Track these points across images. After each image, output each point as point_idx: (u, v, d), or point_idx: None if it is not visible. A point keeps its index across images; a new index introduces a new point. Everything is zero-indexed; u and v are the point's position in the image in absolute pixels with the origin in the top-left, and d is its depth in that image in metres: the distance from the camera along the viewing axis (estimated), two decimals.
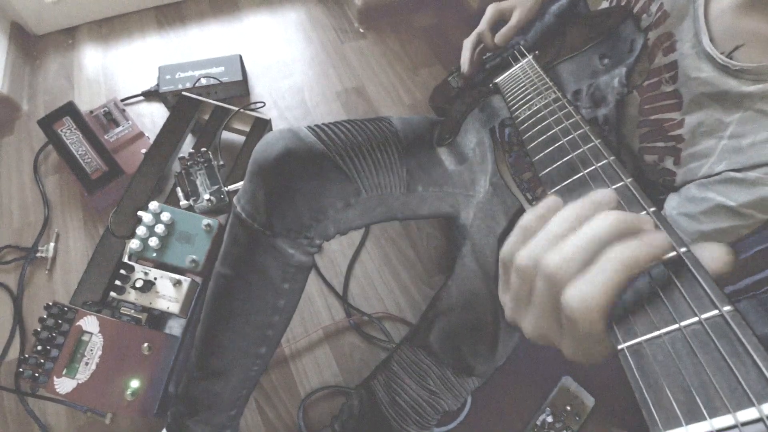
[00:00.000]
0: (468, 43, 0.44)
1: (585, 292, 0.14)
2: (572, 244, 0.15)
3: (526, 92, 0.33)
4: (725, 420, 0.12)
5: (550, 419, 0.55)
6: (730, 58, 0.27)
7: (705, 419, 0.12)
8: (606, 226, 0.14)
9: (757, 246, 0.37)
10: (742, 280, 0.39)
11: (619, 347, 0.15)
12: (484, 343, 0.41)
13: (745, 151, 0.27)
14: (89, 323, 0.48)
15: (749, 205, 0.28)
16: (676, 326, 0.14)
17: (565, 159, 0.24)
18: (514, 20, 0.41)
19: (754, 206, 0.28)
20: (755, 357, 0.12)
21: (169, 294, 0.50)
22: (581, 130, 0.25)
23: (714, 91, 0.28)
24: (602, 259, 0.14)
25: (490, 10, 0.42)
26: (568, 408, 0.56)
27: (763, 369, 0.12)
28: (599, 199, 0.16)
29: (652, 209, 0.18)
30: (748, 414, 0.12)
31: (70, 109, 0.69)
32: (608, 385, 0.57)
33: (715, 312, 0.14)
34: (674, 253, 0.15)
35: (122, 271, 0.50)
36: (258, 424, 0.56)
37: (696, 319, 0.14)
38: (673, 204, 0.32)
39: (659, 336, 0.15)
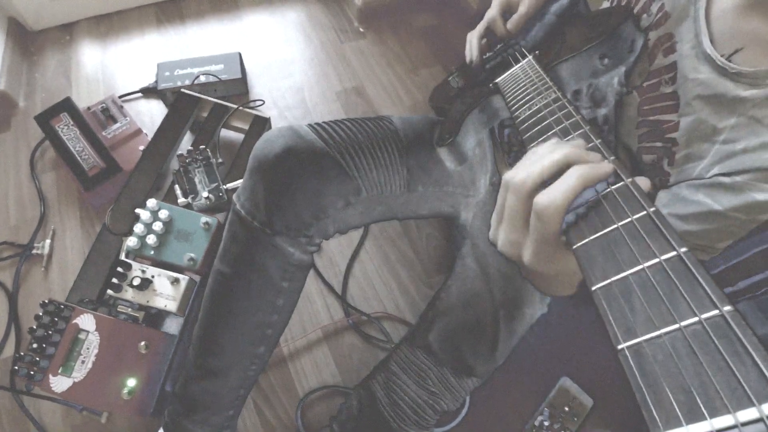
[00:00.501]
0: (475, 34, 0.44)
1: (550, 194, 0.20)
2: (536, 165, 0.21)
3: (526, 92, 0.33)
4: (725, 420, 0.12)
5: (548, 420, 0.56)
6: (729, 61, 0.27)
7: (705, 419, 0.12)
8: (561, 155, 0.21)
9: (756, 248, 0.37)
10: (740, 281, 0.39)
11: (619, 347, 0.15)
12: (484, 343, 0.40)
13: (738, 156, 0.28)
14: (86, 321, 0.48)
15: (736, 209, 0.28)
16: (676, 326, 0.15)
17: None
18: (523, 8, 0.41)
19: (741, 210, 0.28)
20: (755, 357, 0.12)
21: (166, 292, 0.50)
22: (581, 130, 0.25)
23: (710, 93, 0.28)
24: (566, 173, 0.20)
25: None
26: (567, 409, 0.56)
27: (763, 369, 0.12)
28: (572, 143, 0.23)
29: (652, 209, 0.18)
30: (748, 414, 0.12)
31: (67, 105, 0.69)
32: (607, 386, 0.57)
33: (716, 312, 0.14)
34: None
35: (119, 269, 0.49)
36: (256, 425, 0.56)
37: (696, 319, 0.14)
38: (663, 201, 0.32)
39: (659, 336, 0.15)
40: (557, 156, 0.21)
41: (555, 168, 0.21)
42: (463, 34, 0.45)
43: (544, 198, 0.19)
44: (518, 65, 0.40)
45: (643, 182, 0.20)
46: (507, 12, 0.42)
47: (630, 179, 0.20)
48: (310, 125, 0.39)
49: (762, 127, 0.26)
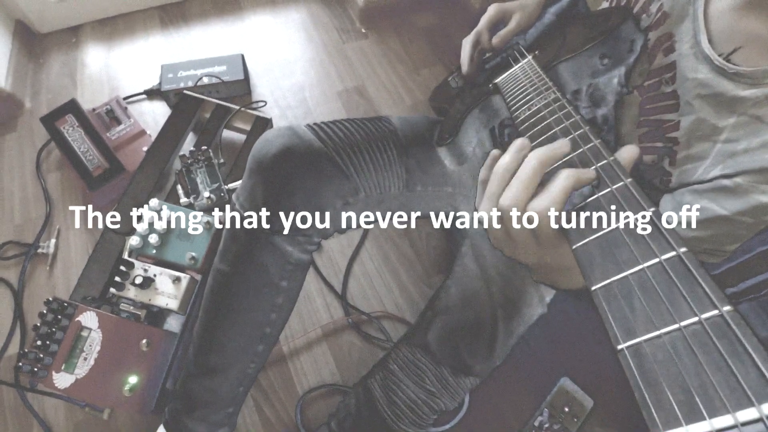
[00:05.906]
0: (467, 43, 0.44)
1: (543, 200, 0.20)
2: (517, 181, 0.21)
3: (526, 92, 0.33)
4: (725, 420, 0.12)
5: (547, 421, 0.55)
6: (728, 61, 0.27)
7: (705, 419, 0.12)
8: (534, 163, 0.21)
9: (759, 247, 0.37)
10: (742, 282, 0.39)
11: (619, 347, 0.15)
12: (482, 342, 0.40)
13: (739, 156, 0.27)
14: (89, 319, 0.48)
15: (742, 212, 0.28)
16: (676, 326, 0.14)
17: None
18: (513, 24, 0.41)
19: (748, 213, 0.28)
20: (755, 357, 0.12)
21: (168, 291, 0.50)
22: (581, 131, 0.25)
23: (709, 93, 0.28)
24: (555, 178, 0.20)
25: (492, 10, 0.42)
26: (567, 409, 0.56)
27: (763, 369, 0.12)
28: (519, 146, 0.23)
29: (652, 209, 0.18)
30: (748, 414, 0.12)
31: (72, 107, 0.69)
32: (607, 387, 0.57)
33: (715, 312, 0.14)
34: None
35: (122, 268, 0.50)
36: (256, 422, 0.56)
37: (696, 319, 0.14)
38: (667, 208, 0.32)
39: (659, 336, 0.15)
40: (527, 169, 0.21)
41: (533, 181, 0.21)
42: (465, 34, 0.45)
43: (536, 205, 0.20)
44: (518, 65, 0.40)
45: (627, 153, 0.21)
46: (501, 22, 0.42)
47: (612, 157, 0.21)
48: (308, 125, 0.39)
49: (763, 125, 0.26)
